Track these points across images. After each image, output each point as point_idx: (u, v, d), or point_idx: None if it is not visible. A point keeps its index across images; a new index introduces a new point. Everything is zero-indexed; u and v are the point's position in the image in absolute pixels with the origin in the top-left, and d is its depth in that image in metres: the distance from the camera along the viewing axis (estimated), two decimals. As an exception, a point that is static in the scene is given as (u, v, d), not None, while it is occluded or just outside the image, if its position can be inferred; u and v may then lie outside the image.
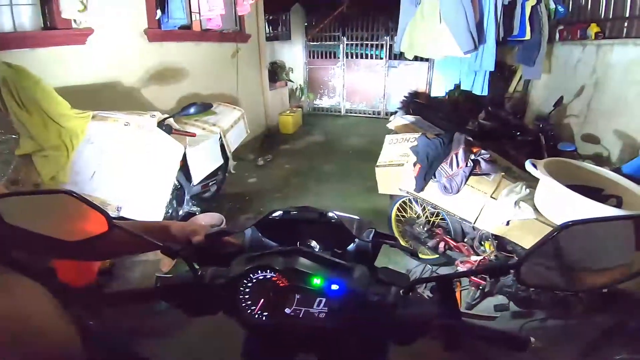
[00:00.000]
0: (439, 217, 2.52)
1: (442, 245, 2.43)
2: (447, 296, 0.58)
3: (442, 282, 0.58)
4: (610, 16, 3.67)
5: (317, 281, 0.59)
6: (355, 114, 7.52)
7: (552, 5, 3.92)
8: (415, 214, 2.63)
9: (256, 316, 0.61)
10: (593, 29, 3.69)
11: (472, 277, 2.16)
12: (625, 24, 3.43)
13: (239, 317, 0.62)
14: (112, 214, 2.22)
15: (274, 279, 0.60)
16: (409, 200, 2.60)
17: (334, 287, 0.59)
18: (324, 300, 0.59)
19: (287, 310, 0.60)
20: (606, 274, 0.55)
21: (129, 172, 2.30)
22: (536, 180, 1.91)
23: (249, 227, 0.76)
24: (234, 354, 0.71)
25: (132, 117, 2.35)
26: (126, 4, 3.10)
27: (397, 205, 2.70)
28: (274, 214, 0.77)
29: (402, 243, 2.74)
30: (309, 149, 5.57)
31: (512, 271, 0.51)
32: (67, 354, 0.48)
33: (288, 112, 6.47)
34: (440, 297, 0.58)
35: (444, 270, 2.56)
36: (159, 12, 3.37)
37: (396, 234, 2.78)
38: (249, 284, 0.61)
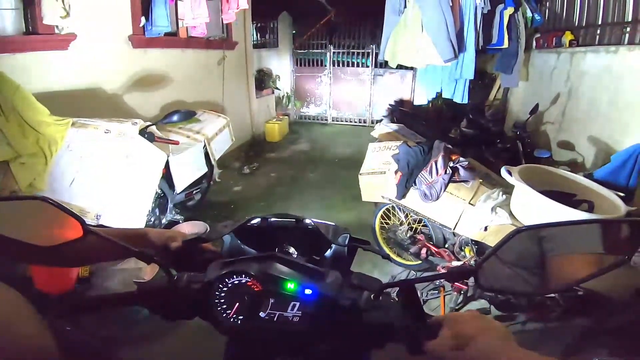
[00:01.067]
0: (422, 224, 2.56)
1: (424, 251, 2.45)
2: (410, 300, 0.59)
3: (405, 286, 0.60)
4: (584, 24, 3.74)
5: (290, 286, 0.61)
6: (341, 122, 7.58)
7: (529, 14, 4.03)
8: (398, 221, 2.66)
9: (231, 320, 0.62)
10: (567, 36, 3.77)
11: (454, 282, 2.19)
12: (598, 32, 3.50)
13: (215, 321, 0.63)
14: (91, 222, 2.19)
15: (248, 283, 0.62)
16: (393, 207, 2.64)
17: (308, 291, 0.60)
18: (297, 304, 0.61)
19: (262, 314, 0.61)
20: (563, 276, 0.57)
21: (108, 180, 2.26)
22: (512, 186, 1.97)
23: (226, 234, 0.77)
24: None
25: (113, 125, 2.33)
26: (110, 11, 3.09)
27: (381, 212, 2.73)
28: (251, 221, 0.79)
29: (386, 249, 2.77)
30: (295, 157, 5.57)
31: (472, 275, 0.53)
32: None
33: (274, 120, 6.46)
34: (404, 300, 0.60)
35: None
36: (143, 19, 3.36)
37: (380, 241, 2.80)
38: (224, 289, 0.62)
